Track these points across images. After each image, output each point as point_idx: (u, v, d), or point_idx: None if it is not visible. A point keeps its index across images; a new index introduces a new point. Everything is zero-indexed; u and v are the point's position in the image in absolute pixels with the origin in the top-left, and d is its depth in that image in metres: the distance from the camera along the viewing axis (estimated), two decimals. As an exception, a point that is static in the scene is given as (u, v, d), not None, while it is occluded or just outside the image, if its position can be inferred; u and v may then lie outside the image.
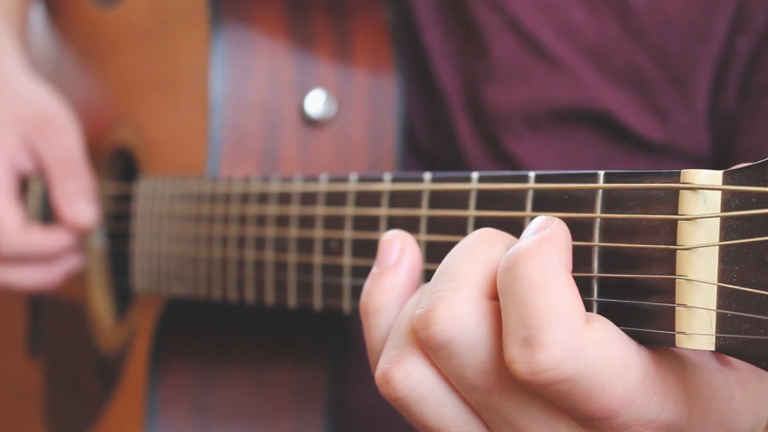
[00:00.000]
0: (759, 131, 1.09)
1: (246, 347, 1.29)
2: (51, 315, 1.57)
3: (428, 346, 0.73)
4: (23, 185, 1.43)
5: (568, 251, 0.71)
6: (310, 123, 1.21)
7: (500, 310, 0.71)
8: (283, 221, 1.03)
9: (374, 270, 0.81)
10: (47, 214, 1.56)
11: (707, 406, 0.73)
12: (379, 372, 0.77)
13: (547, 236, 0.70)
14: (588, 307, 0.71)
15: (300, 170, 1.20)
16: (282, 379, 1.30)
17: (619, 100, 1.14)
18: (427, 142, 1.25)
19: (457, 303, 0.72)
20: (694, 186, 0.65)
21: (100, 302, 1.44)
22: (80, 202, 1.36)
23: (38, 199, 1.56)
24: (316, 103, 1.22)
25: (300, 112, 1.22)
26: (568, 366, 0.68)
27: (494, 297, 0.73)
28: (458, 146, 1.22)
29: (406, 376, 0.75)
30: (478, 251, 0.74)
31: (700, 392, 0.72)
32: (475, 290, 0.72)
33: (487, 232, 0.76)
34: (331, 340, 1.30)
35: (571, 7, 1.15)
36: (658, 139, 1.13)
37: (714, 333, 0.65)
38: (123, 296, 1.43)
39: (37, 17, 1.63)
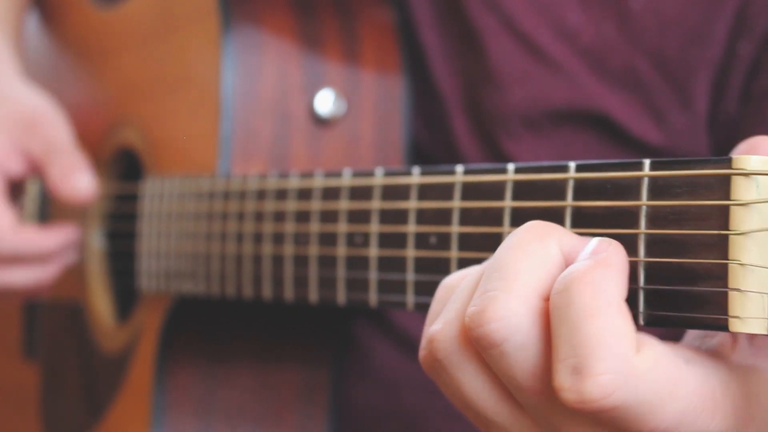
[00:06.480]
0: None
1: (251, 348, 1.29)
2: (47, 316, 1.56)
3: (480, 344, 0.73)
4: (17, 189, 1.42)
5: (623, 276, 0.71)
6: (320, 122, 1.22)
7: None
8: (303, 216, 1.03)
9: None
10: (44, 215, 1.55)
11: (751, 413, 0.74)
12: (425, 337, 0.78)
13: (603, 260, 0.70)
14: (634, 295, 0.72)
15: (310, 169, 1.20)
16: (286, 380, 1.30)
17: (616, 102, 1.13)
18: (423, 142, 1.25)
19: (511, 303, 0.72)
20: (747, 171, 0.66)
21: (101, 303, 1.43)
22: (76, 177, 1.34)
23: (35, 200, 1.55)
24: (325, 102, 1.22)
25: (309, 112, 1.22)
26: (617, 396, 0.68)
27: (547, 298, 0.72)
28: (455, 147, 1.22)
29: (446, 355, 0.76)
30: (531, 250, 0.73)
31: (744, 401, 0.73)
32: (529, 290, 0.72)
33: (538, 227, 0.75)
34: (335, 341, 1.30)
35: (568, 8, 1.14)
36: (656, 141, 1.13)
37: (766, 316, 0.66)
38: (123, 297, 1.43)
39: (32, 20, 1.62)
